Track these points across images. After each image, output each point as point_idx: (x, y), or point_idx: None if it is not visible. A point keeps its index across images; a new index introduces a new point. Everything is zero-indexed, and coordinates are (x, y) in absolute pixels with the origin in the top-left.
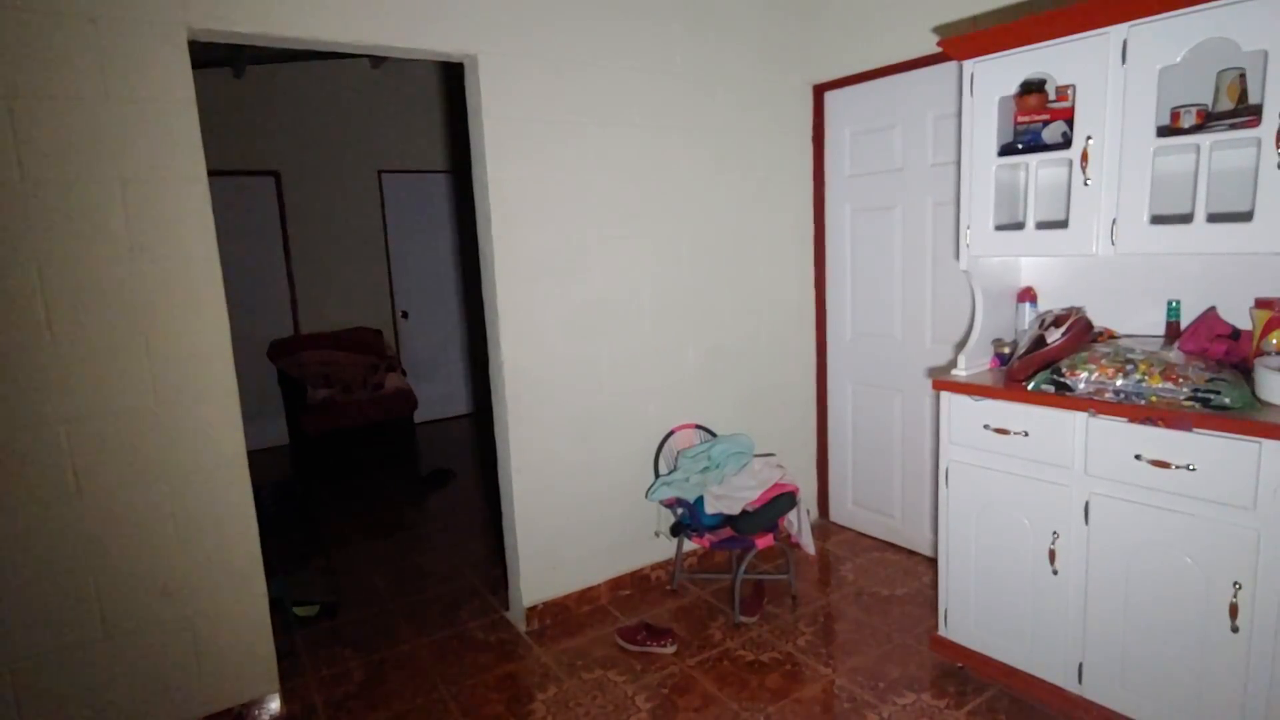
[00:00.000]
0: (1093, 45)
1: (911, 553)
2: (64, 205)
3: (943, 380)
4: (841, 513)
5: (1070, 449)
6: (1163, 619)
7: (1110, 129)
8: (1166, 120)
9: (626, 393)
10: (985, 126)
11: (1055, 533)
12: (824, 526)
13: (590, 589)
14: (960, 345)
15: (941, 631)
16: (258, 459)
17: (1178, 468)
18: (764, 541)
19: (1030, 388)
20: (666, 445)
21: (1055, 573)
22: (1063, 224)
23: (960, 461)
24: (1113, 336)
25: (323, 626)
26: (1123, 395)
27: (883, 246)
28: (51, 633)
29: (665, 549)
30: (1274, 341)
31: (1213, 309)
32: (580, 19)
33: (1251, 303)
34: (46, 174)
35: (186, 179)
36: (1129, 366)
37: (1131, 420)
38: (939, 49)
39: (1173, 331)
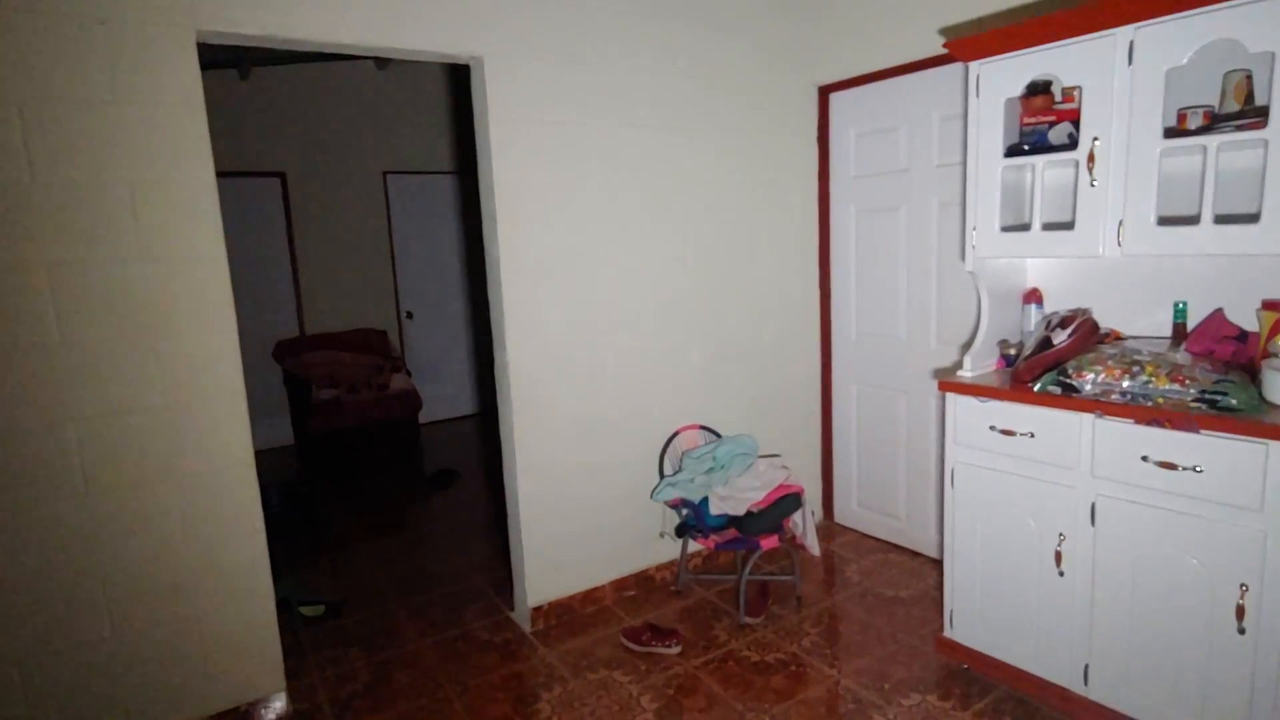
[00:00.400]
0: (1099, 46)
1: (916, 554)
2: (73, 206)
3: (948, 381)
4: (846, 514)
5: (1076, 450)
6: (1169, 621)
7: (1117, 130)
8: (1173, 121)
9: (631, 393)
10: (991, 128)
11: (1061, 534)
12: (829, 528)
13: (595, 589)
14: (966, 346)
15: (947, 633)
16: (263, 459)
17: (1185, 469)
18: (769, 542)
19: (1036, 389)
20: (671, 446)
21: (1061, 574)
22: (1069, 225)
23: (966, 463)
24: (1119, 338)
25: (328, 626)
26: (1129, 397)
27: (888, 247)
28: (60, 630)
29: (670, 550)
30: None
31: (1220, 310)
32: (586, 20)
33: (1259, 304)
34: (56, 175)
35: (195, 180)
36: (1136, 368)
37: (1138, 422)
38: (945, 50)
39: (1179, 333)
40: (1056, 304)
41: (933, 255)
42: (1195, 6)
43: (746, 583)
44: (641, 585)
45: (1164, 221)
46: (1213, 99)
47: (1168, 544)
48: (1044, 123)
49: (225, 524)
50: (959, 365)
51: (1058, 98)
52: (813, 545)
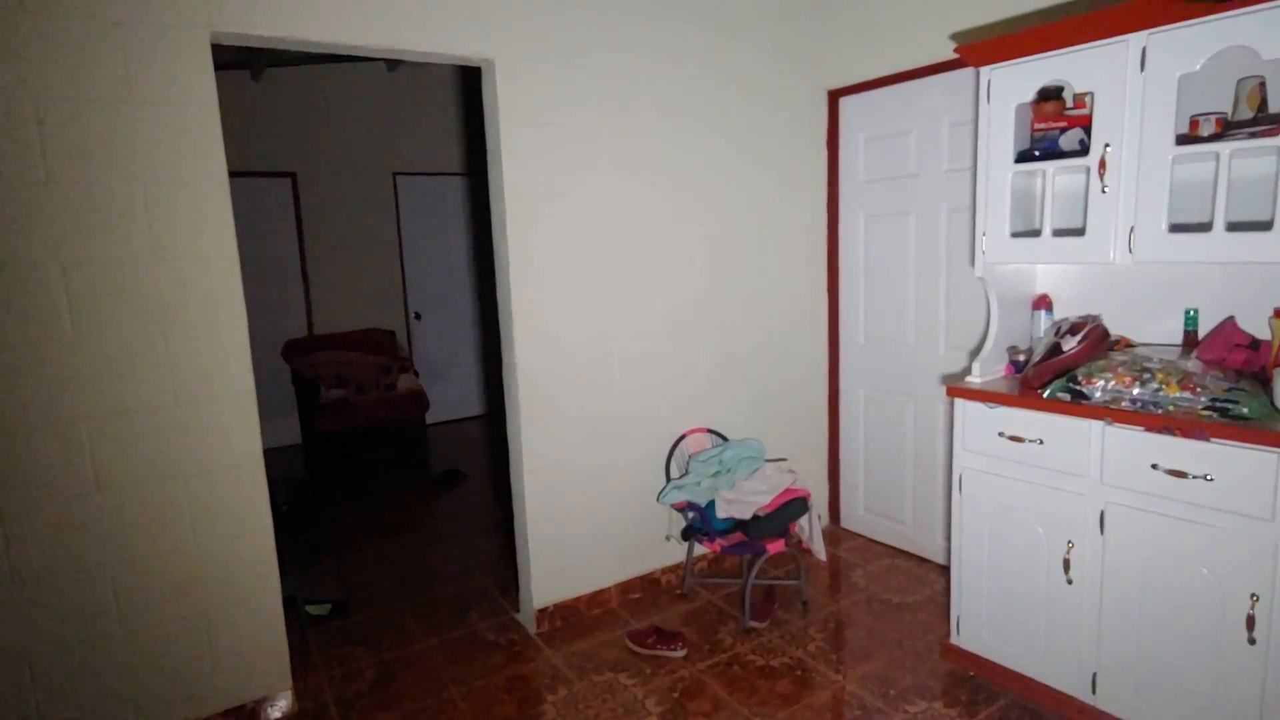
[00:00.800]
0: (1111, 53)
1: (923, 560)
2: (87, 205)
3: (957, 387)
4: (853, 519)
5: (1086, 457)
6: (1178, 630)
7: (1129, 136)
8: (1185, 128)
9: (638, 396)
10: (1002, 133)
11: (1070, 542)
12: (835, 532)
13: (600, 592)
14: (975, 352)
15: (953, 639)
16: (271, 458)
17: (1195, 478)
18: (775, 547)
19: (1046, 395)
20: (678, 449)
21: (1069, 582)
22: (1080, 231)
23: (974, 469)
24: (1129, 345)
25: (334, 625)
26: (1139, 404)
27: (897, 252)
28: (69, 626)
29: (676, 553)
30: None
31: (1231, 318)
32: (597, 23)
33: (1270, 312)
34: (70, 174)
35: (208, 181)
36: (1146, 375)
37: (1148, 429)
38: (955, 55)
39: (1190, 340)
40: (1066, 310)
41: (941, 260)
42: (1209, 13)
43: (752, 587)
44: (647, 588)
45: (1176, 228)
46: (1226, 106)
47: (1177, 553)
48: (1055, 129)
49: (234, 522)
50: (967, 371)
51: (1069, 104)
52: (819, 550)
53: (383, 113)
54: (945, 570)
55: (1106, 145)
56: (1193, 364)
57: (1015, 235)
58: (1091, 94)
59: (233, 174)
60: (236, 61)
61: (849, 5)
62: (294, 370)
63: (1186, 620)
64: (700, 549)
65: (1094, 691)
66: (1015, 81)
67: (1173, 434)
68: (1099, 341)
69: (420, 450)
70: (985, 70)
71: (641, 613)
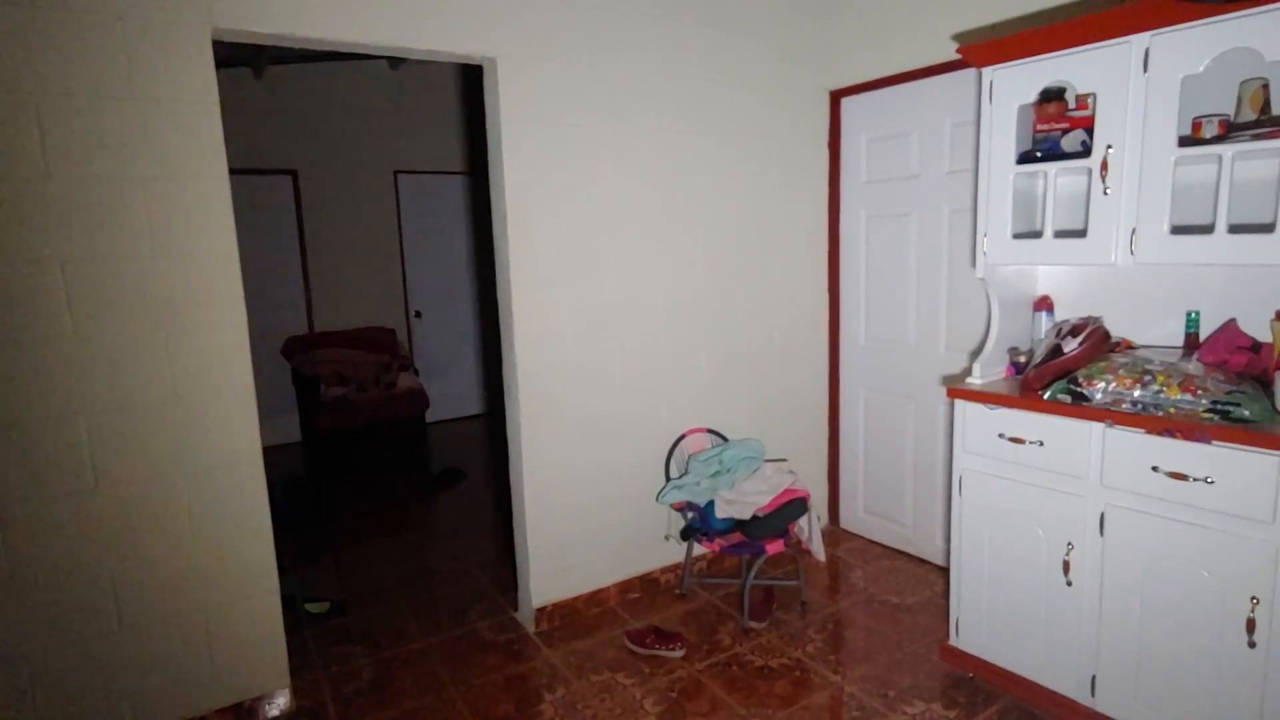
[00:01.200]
0: (1114, 54)
1: (922, 561)
2: (88, 202)
3: (957, 388)
4: (852, 520)
5: (1086, 459)
6: (1178, 633)
7: (1131, 138)
8: (1188, 130)
9: (639, 396)
10: (1004, 134)
11: (1070, 543)
12: (834, 533)
13: (599, 591)
14: (975, 353)
15: (952, 641)
16: (270, 456)
17: (1195, 480)
18: (774, 547)
19: (1046, 397)
20: (678, 449)
21: (1069, 584)
22: (1081, 233)
23: (974, 470)
24: (1130, 347)
25: (333, 623)
26: (1140, 406)
27: (898, 253)
28: (67, 624)
29: (675, 553)
30: None
31: (1233, 321)
32: (599, 22)
33: (1272, 315)
34: (71, 170)
35: (208, 178)
36: (1147, 377)
37: (1149, 431)
38: (958, 56)
39: (1192, 343)
40: (1067, 312)
41: (943, 261)
42: (1212, 15)
43: (751, 587)
44: (646, 588)
45: (1177, 230)
46: (1229, 108)
47: (1178, 555)
48: (1057, 130)
49: (233, 520)
50: (968, 372)
51: (1071, 105)
52: (818, 551)
53: (385, 111)
54: (945, 572)
55: (1109, 146)
56: (1194, 366)
57: (1017, 236)
58: (1094, 95)
59: (234, 171)
60: (239, 59)
61: (851, 5)
62: (294, 368)
63: (1186, 623)
64: (699, 549)
65: (1093, 694)
66: (1017, 82)
67: (1173, 436)
68: (1100, 343)
69: (420, 449)
70: (987, 71)
71: (640, 612)
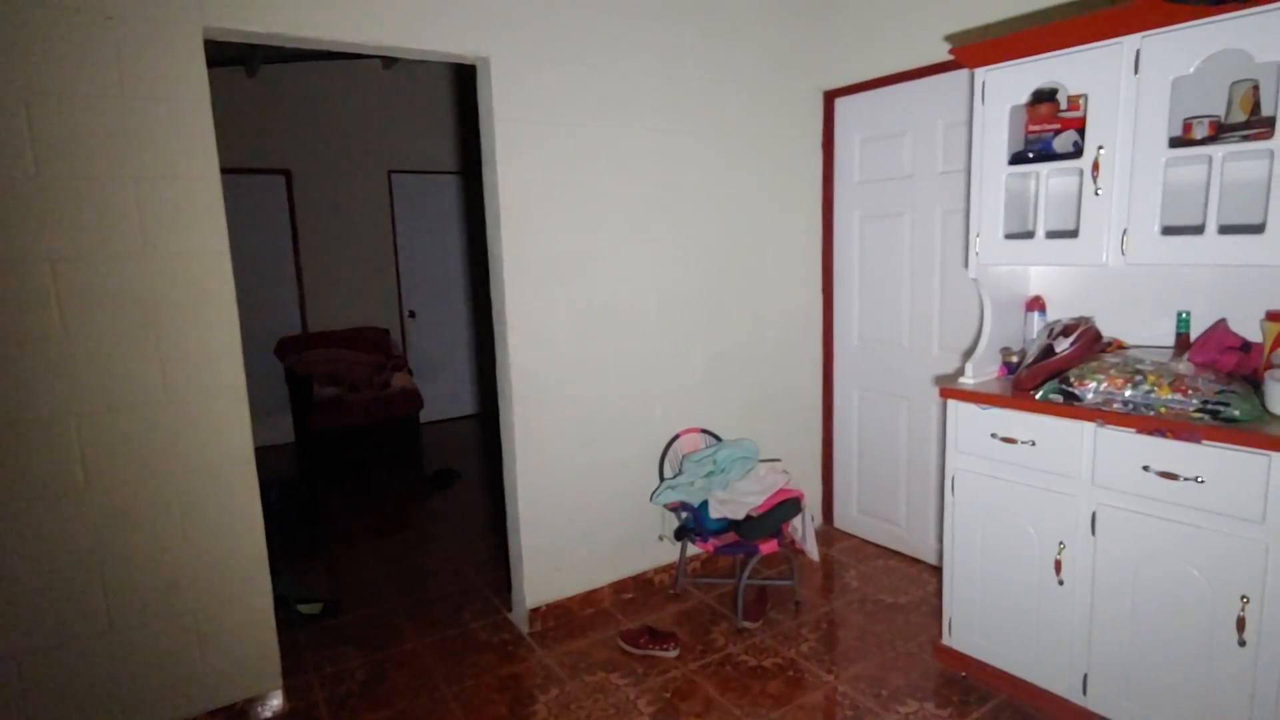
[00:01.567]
0: (1105, 55)
1: (916, 560)
2: (78, 201)
3: (950, 388)
4: (846, 519)
5: (1077, 459)
6: (1169, 631)
7: (1122, 139)
8: (1179, 131)
9: (632, 396)
10: (996, 135)
11: (1061, 543)
12: (828, 533)
13: (593, 591)
14: (968, 353)
15: (945, 640)
16: (263, 456)
17: (1186, 480)
18: (768, 547)
19: (1038, 397)
20: (671, 449)
21: (1061, 583)
22: (1073, 233)
23: (966, 470)
24: (1122, 347)
25: (326, 624)
26: (1131, 406)
27: (891, 253)
28: (57, 625)
29: (669, 553)
30: None
31: (1223, 321)
32: (592, 22)
33: (1262, 315)
34: (60, 169)
35: (200, 177)
36: (1138, 377)
37: (1140, 431)
38: (950, 57)
39: (1182, 343)
40: (1059, 312)
41: (936, 261)
42: (1202, 16)
43: (745, 587)
44: (640, 588)
45: (1168, 231)
46: (1219, 109)
47: (1168, 555)
48: (1049, 130)
49: (224, 520)
50: (961, 372)
51: (1063, 105)
52: (812, 550)
53: (378, 110)
54: (938, 571)
55: (1100, 147)
56: (1184, 366)
57: (1009, 237)
58: (1085, 96)
59: (227, 170)
60: (231, 58)
61: (845, 6)
62: (287, 368)
63: (1177, 622)
64: (693, 549)
65: (1085, 692)
66: (1010, 83)
67: (1164, 436)
68: (1091, 343)
69: (414, 449)
70: (980, 72)
71: (634, 612)
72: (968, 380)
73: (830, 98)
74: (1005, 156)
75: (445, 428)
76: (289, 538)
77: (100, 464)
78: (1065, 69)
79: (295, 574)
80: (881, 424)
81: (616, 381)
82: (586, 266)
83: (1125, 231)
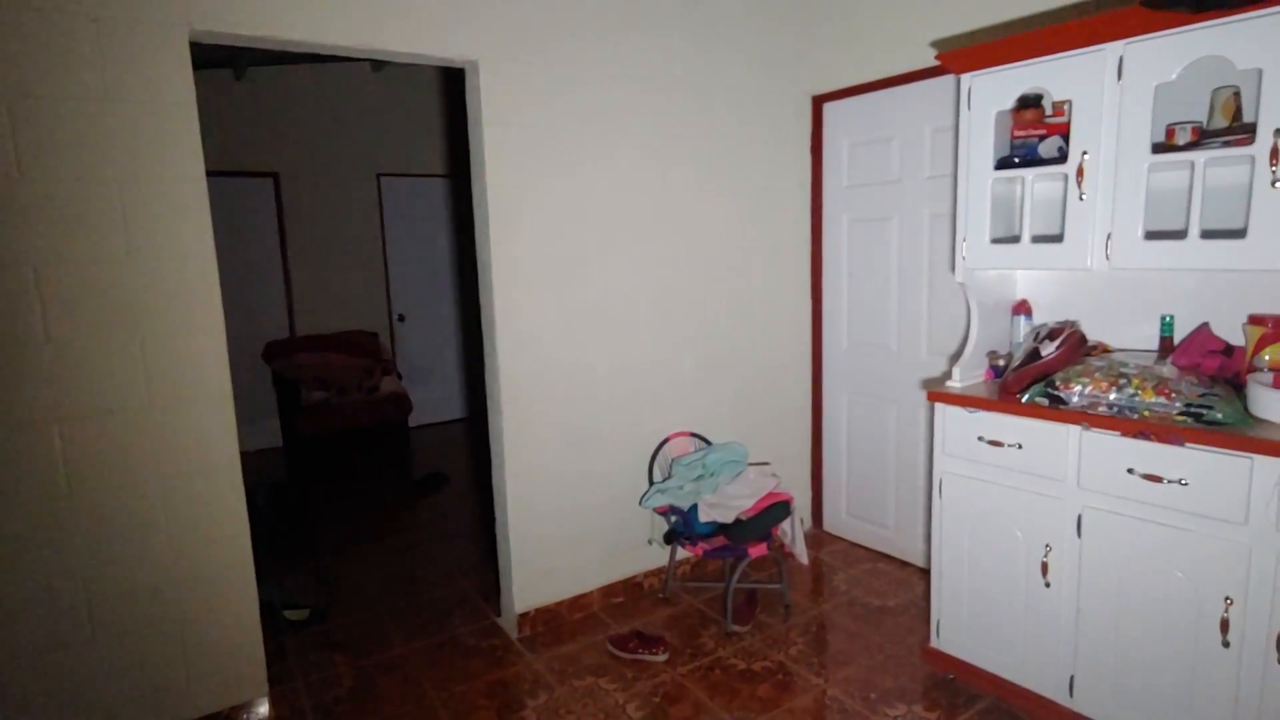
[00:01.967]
0: (1089, 61)
1: (905, 563)
2: (61, 204)
3: (937, 392)
4: (835, 523)
5: (1063, 462)
6: (1154, 633)
7: (1106, 144)
8: (1162, 137)
9: (622, 400)
10: (982, 140)
11: (1048, 545)
12: (817, 536)
13: (583, 596)
14: (955, 357)
15: (934, 643)
16: (251, 461)
17: (1170, 482)
18: (757, 550)
19: (1024, 400)
20: (661, 453)
21: (1047, 585)
22: (1058, 238)
23: (954, 473)
24: (1107, 350)
25: (313, 630)
26: (1116, 409)
27: (879, 257)
28: (39, 633)
29: (658, 557)
30: (1266, 358)
31: (1206, 325)
32: (582, 28)
33: (1244, 319)
34: (44, 173)
35: (185, 180)
36: (1122, 380)
37: (1124, 434)
38: (937, 62)
39: (1166, 346)
40: (1045, 316)
41: (924, 266)
42: (1184, 24)
43: (734, 590)
44: (629, 592)
45: (1151, 236)
46: (1201, 115)
47: (1153, 557)
48: (1034, 136)
49: (209, 526)
50: (948, 376)
51: (1048, 111)
52: (801, 554)
53: (367, 113)
54: (926, 574)
55: (1084, 153)
56: (1168, 369)
57: (995, 241)
58: (1070, 102)
59: (214, 174)
60: (219, 60)
61: (834, 12)
62: (275, 372)
63: (1162, 623)
64: (683, 553)
65: (1071, 694)
66: (995, 89)
67: (1148, 439)
68: (1077, 347)
69: (402, 453)
70: (966, 77)
71: (623, 617)
72: (955, 384)
73: (819, 103)
74: (991, 161)
75: (434, 432)
76: (276, 543)
77: (83, 469)
78: (1050, 75)
79: (282, 580)
80: (870, 427)
81: (606, 385)
82: (575, 270)
83: (1109, 236)
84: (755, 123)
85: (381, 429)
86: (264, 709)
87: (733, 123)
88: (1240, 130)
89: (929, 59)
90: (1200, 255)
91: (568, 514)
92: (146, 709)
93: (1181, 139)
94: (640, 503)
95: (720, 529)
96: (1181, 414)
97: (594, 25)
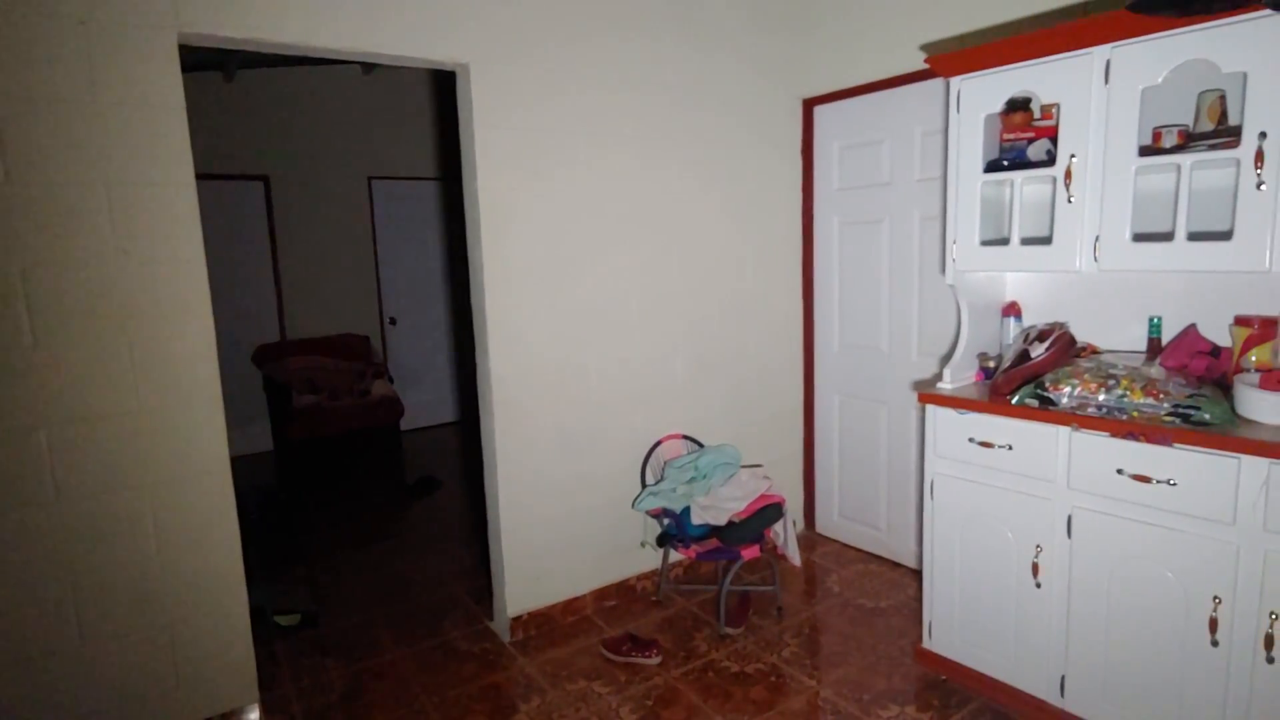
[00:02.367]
0: (1077, 65)
1: (897, 565)
2: (49, 208)
3: (928, 393)
4: (827, 524)
5: (1053, 463)
6: (1144, 633)
7: (1093, 147)
8: (1148, 140)
9: (614, 403)
10: (971, 143)
11: (1038, 546)
12: (810, 538)
13: (575, 599)
14: (946, 359)
15: (926, 644)
16: (241, 465)
17: (1159, 482)
18: (750, 552)
19: (1014, 401)
20: (653, 455)
21: (1038, 585)
22: (1047, 240)
23: (945, 474)
24: (1095, 352)
25: (304, 636)
26: (1105, 410)
27: (870, 260)
28: (26, 640)
29: (651, 559)
30: (1253, 359)
31: (1193, 326)
32: (572, 31)
33: (1231, 320)
34: (32, 176)
35: (174, 183)
36: (1111, 382)
37: (1113, 435)
38: (927, 66)
39: (1154, 347)
40: (1035, 317)
41: (914, 268)
42: (1170, 28)
43: (727, 593)
44: (622, 595)
45: (1139, 238)
46: (1187, 118)
47: (1142, 556)
48: (1023, 139)
49: (199, 531)
50: (939, 377)
51: (1036, 114)
52: (794, 555)
53: (358, 116)
54: (918, 575)
55: (1072, 156)
56: (1156, 370)
57: (985, 243)
58: (1058, 105)
59: (204, 176)
60: (208, 62)
61: (824, 15)
62: (266, 376)
63: (1152, 623)
64: (676, 555)
65: (1063, 694)
66: (984, 92)
67: (1137, 439)
68: (1066, 348)
69: (394, 457)
70: (955, 80)
71: (616, 620)
72: (945, 385)
73: (809, 106)
74: (980, 164)
75: (426, 435)
76: (267, 548)
77: (71, 474)
78: (1038, 78)
79: (273, 585)
80: (862, 429)
81: (598, 388)
82: (567, 273)
83: (1098, 238)
84: (746, 125)
85: (373, 433)
86: (255, 715)
87: (724, 125)
88: (1226, 133)
89: (919, 62)
90: (1187, 257)
91: (560, 517)
92: (136, 716)
93: (1168, 142)
94: (633, 505)
95: (713, 531)
96: (1170, 414)
97: (585, 28)
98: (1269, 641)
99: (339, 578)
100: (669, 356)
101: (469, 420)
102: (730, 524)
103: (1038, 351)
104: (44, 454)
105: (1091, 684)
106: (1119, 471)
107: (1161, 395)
